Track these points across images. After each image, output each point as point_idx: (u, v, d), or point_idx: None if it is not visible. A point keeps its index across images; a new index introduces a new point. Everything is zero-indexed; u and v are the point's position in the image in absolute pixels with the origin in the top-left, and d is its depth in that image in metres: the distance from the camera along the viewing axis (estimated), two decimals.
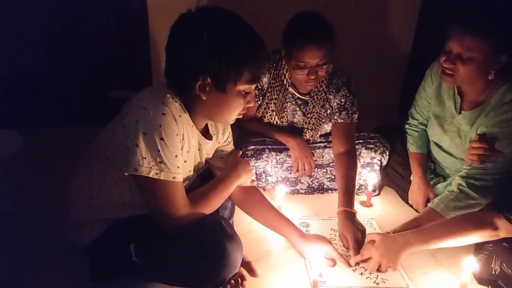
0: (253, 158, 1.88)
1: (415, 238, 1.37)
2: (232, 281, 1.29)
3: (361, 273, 1.44)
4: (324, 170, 1.98)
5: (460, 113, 1.64)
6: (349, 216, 1.59)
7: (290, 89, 1.88)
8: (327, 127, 1.97)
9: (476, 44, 1.41)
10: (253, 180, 1.49)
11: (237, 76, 1.15)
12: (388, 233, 1.48)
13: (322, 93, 1.86)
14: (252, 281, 1.35)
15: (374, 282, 1.41)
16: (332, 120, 1.91)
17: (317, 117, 1.91)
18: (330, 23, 1.70)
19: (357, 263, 1.46)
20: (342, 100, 1.87)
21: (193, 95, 1.18)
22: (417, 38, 2.88)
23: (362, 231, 1.54)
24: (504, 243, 1.34)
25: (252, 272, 1.36)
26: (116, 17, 2.46)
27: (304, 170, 1.88)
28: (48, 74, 2.47)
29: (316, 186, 1.98)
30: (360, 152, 1.93)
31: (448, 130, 1.71)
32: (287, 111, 1.93)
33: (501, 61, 1.44)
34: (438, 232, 1.36)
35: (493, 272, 1.34)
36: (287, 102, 1.91)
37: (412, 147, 1.88)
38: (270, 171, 1.92)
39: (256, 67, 1.17)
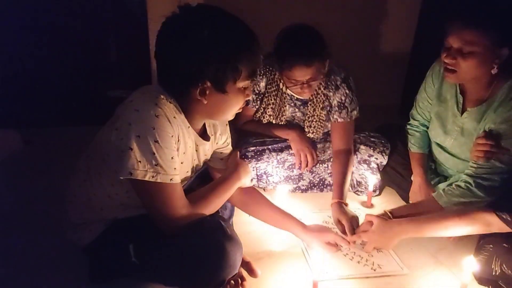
0: (254, 160, 1.88)
1: (410, 227, 1.43)
2: (232, 281, 1.28)
3: (358, 262, 1.51)
4: (326, 165, 1.98)
5: (463, 112, 1.63)
6: (342, 206, 1.69)
7: (288, 91, 1.88)
8: (328, 125, 1.97)
9: (475, 37, 1.41)
10: (252, 180, 1.49)
11: (236, 75, 1.15)
12: (385, 212, 1.55)
13: (321, 95, 1.86)
14: (252, 281, 1.35)
15: (371, 269, 1.48)
16: (332, 119, 1.90)
17: (318, 120, 1.91)
18: (320, 35, 1.70)
19: (354, 242, 1.54)
20: (342, 98, 1.86)
21: (191, 98, 1.17)
22: (418, 38, 2.88)
23: (355, 217, 1.64)
24: (504, 244, 1.34)
25: (252, 272, 1.36)
26: (115, 17, 2.46)
27: (307, 162, 1.88)
28: (48, 74, 2.47)
29: (317, 182, 1.98)
30: (359, 148, 1.93)
31: (451, 130, 1.70)
32: (286, 114, 1.93)
33: (502, 54, 1.44)
34: (432, 224, 1.42)
35: (494, 273, 1.33)
36: (285, 105, 1.91)
37: (414, 147, 1.87)
38: (272, 171, 1.92)
39: (252, 62, 1.16)
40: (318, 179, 1.98)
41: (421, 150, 1.86)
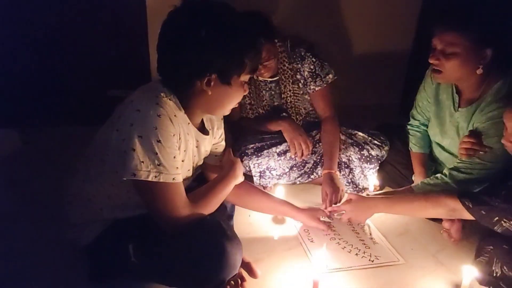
0: (254, 156, 1.89)
1: (381, 203, 1.58)
2: (232, 282, 1.28)
3: (356, 254, 1.56)
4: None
5: (457, 111, 1.65)
6: (331, 177, 1.81)
7: (260, 77, 1.94)
8: (308, 97, 2.00)
9: (455, 39, 1.46)
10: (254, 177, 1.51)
11: (241, 68, 1.18)
12: (366, 194, 1.74)
13: (287, 71, 1.91)
14: (252, 282, 1.35)
15: (369, 260, 1.53)
16: (310, 90, 1.96)
17: (291, 94, 1.96)
18: (265, 18, 1.78)
19: (331, 211, 1.70)
20: (311, 67, 1.92)
21: (194, 90, 1.18)
22: (418, 37, 2.87)
23: (340, 189, 1.76)
24: (504, 246, 1.34)
25: (251, 273, 1.36)
26: (115, 17, 2.45)
27: (302, 149, 1.90)
28: (47, 74, 2.46)
29: (319, 160, 1.99)
30: (356, 133, 1.95)
31: (448, 129, 1.71)
32: (266, 98, 1.99)
33: (486, 55, 1.47)
34: (401, 204, 1.56)
35: (494, 275, 1.34)
36: (261, 91, 1.97)
37: (415, 147, 1.87)
38: (274, 165, 1.93)
39: (255, 57, 1.20)
40: (319, 157, 2.00)
41: (422, 150, 1.86)
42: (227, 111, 1.30)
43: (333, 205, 1.71)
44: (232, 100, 1.25)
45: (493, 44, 1.46)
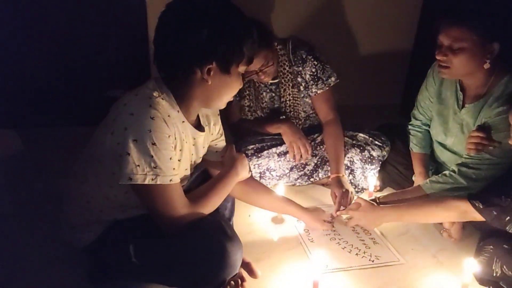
0: (254, 157, 1.89)
1: (391, 213, 1.57)
2: (232, 282, 1.28)
3: (356, 254, 1.55)
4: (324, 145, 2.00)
5: (462, 108, 1.64)
6: (340, 180, 1.80)
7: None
8: (309, 100, 1.99)
9: (462, 34, 1.46)
10: (249, 171, 1.50)
11: (240, 58, 1.17)
12: (374, 198, 1.73)
13: (288, 74, 1.89)
14: (252, 282, 1.35)
15: (369, 260, 1.53)
16: (312, 94, 1.94)
17: (291, 98, 1.94)
18: (262, 25, 1.74)
19: (338, 215, 1.70)
20: (313, 70, 1.90)
21: (193, 80, 1.17)
22: (419, 37, 2.87)
23: (350, 191, 1.75)
24: (504, 245, 1.34)
25: (252, 273, 1.36)
26: (115, 17, 2.45)
27: (301, 152, 1.89)
28: (47, 74, 2.46)
29: (319, 162, 1.99)
30: (357, 135, 1.94)
31: (452, 127, 1.71)
32: (266, 101, 1.98)
33: (493, 49, 1.47)
34: (411, 211, 1.55)
35: (494, 274, 1.33)
36: (262, 93, 1.96)
37: (416, 148, 1.87)
38: (274, 166, 1.93)
39: (253, 48, 1.19)
40: (320, 160, 1.99)
41: (423, 150, 1.86)
42: (223, 104, 1.28)
43: (342, 208, 1.71)
44: (230, 91, 1.24)
45: (500, 38, 1.46)
